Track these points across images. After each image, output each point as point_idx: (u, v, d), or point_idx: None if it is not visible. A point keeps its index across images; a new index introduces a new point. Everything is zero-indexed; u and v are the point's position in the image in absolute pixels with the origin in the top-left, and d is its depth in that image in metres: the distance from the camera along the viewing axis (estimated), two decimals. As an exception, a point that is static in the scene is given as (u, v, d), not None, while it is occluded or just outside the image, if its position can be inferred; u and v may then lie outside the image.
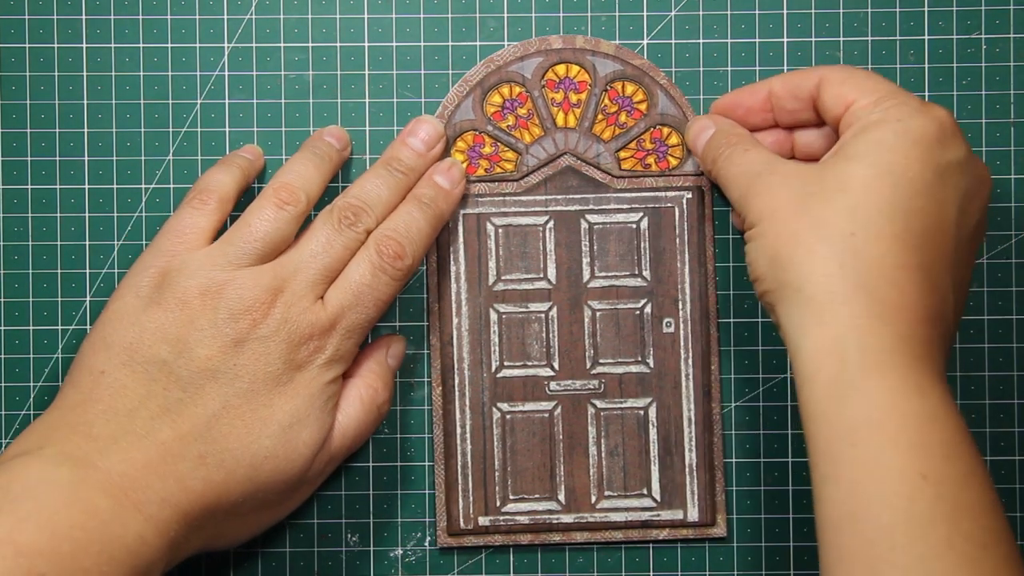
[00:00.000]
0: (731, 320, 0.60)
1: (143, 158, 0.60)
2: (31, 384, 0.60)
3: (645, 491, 0.60)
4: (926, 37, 0.60)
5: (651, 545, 0.60)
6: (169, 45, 0.60)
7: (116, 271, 0.60)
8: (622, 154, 0.60)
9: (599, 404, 0.60)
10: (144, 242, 0.60)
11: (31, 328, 0.60)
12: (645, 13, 0.60)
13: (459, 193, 0.59)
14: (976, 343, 0.60)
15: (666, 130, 0.60)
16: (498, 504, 0.59)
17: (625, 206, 0.60)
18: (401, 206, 0.57)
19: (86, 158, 0.60)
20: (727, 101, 0.59)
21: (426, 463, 0.60)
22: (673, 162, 0.60)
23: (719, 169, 0.56)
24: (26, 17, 0.60)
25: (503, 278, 0.60)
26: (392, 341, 0.59)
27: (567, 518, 0.59)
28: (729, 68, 0.60)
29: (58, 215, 0.60)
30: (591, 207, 0.60)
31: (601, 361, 0.60)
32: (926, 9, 0.60)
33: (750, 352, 0.60)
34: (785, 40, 0.60)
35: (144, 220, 0.60)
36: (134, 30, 0.60)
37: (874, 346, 0.47)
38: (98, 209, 0.60)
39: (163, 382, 0.52)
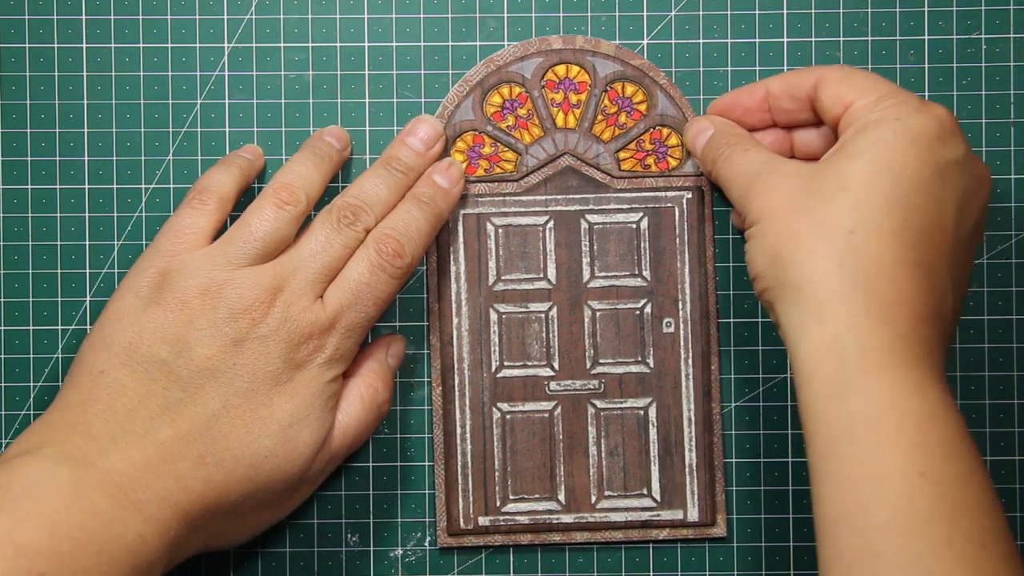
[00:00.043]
0: (731, 320, 0.60)
1: (143, 158, 0.60)
2: (31, 384, 0.60)
3: (645, 491, 0.60)
4: (926, 37, 0.60)
5: (651, 545, 0.60)
6: (169, 45, 0.60)
7: (116, 271, 0.60)
8: (622, 155, 0.60)
9: (599, 404, 0.60)
10: (144, 242, 0.60)
11: (31, 328, 0.60)
12: (645, 13, 0.60)
13: (458, 192, 0.59)
14: (976, 343, 0.60)
15: (665, 131, 0.60)
16: (498, 504, 0.59)
17: (625, 206, 0.60)
18: (400, 205, 0.57)
19: (86, 158, 0.60)
20: (725, 101, 0.59)
21: (426, 463, 0.60)
22: (673, 163, 0.60)
23: (719, 169, 0.56)
24: (26, 17, 0.60)
25: (503, 278, 0.60)
26: (392, 341, 0.59)
27: (567, 518, 0.59)
28: (729, 68, 0.60)
29: (58, 215, 0.60)
30: (591, 207, 0.60)
31: (601, 361, 0.60)
32: (926, 9, 0.60)
33: (750, 352, 0.60)
34: (785, 40, 0.60)
35: (144, 220, 0.60)
36: (134, 30, 0.60)
37: (873, 344, 0.47)
38: (98, 209, 0.60)
39: (163, 382, 0.52)
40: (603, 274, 0.60)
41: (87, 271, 0.60)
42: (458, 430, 0.59)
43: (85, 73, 0.60)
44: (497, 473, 0.59)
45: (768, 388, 0.60)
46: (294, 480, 0.54)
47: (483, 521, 0.59)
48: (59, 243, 0.60)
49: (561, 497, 0.59)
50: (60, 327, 0.60)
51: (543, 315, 0.60)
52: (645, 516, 0.60)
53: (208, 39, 0.60)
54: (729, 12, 0.60)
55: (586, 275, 0.60)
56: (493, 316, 0.60)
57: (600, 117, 0.60)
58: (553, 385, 0.60)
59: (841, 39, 0.60)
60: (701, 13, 0.60)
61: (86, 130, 0.60)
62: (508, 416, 0.60)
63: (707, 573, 0.60)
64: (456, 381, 0.60)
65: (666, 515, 0.60)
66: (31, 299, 0.60)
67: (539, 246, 0.60)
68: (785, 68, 0.60)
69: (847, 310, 0.48)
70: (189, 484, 0.50)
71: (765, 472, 0.60)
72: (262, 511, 0.55)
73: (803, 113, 0.56)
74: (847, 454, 0.46)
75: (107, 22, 0.60)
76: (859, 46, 0.60)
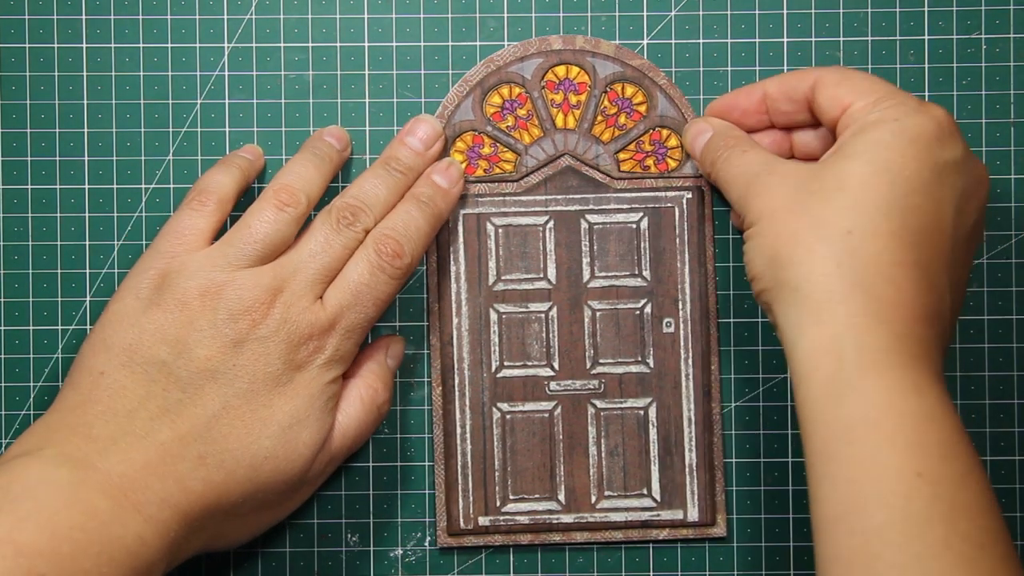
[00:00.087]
0: (731, 320, 0.60)
1: (143, 158, 0.60)
2: (31, 384, 0.60)
3: (645, 491, 0.60)
4: (926, 37, 0.60)
5: (651, 545, 0.60)
6: (169, 45, 0.60)
7: (116, 271, 0.60)
8: (621, 156, 0.60)
9: (599, 404, 0.60)
10: (144, 242, 0.60)
11: (31, 328, 0.60)
12: (645, 13, 0.60)
13: (457, 192, 0.59)
14: (976, 343, 0.60)
15: (665, 132, 0.60)
16: (498, 504, 0.59)
17: (625, 206, 0.60)
18: (399, 205, 0.57)
19: (86, 158, 0.60)
20: (722, 103, 0.59)
21: (426, 463, 0.60)
22: (672, 164, 0.60)
23: (718, 171, 0.56)
24: (26, 17, 0.60)
25: (503, 278, 0.60)
26: (392, 341, 0.59)
27: (567, 518, 0.59)
28: (729, 68, 0.60)
29: (58, 215, 0.60)
30: (591, 207, 0.60)
31: (601, 361, 0.60)
32: (926, 9, 0.60)
33: (750, 352, 0.60)
34: (785, 40, 0.60)
35: (144, 220, 0.60)
36: (134, 30, 0.60)
37: (871, 345, 0.47)
38: (98, 209, 0.60)
39: (162, 383, 0.52)
40: (603, 274, 0.60)
41: (87, 271, 0.60)
42: (458, 430, 0.59)
43: (85, 73, 0.60)
44: (497, 473, 0.59)
45: (768, 388, 0.60)
46: (294, 481, 0.54)
47: (483, 521, 0.59)
48: (59, 243, 0.60)
49: (561, 497, 0.59)
50: (60, 327, 0.60)
51: (543, 315, 0.60)
52: (645, 516, 0.60)
53: (208, 39, 0.60)
54: (729, 12, 0.60)
55: (586, 275, 0.60)
56: (493, 316, 0.60)
57: (600, 118, 0.60)
58: (553, 385, 0.60)
59: (841, 39, 0.60)
60: (701, 13, 0.60)
61: (86, 130, 0.60)
62: (508, 416, 0.60)
63: (707, 573, 0.60)
64: (456, 381, 0.60)
65: (666, 515, 0.60)
66: (31, 299, 0.60)
67: (539, 246, 0.60)
68: (785, 68, 0.60)
69: (845, 310, 0.48)
70: (189, 485, 0.50)
71: (765, 472, 0.60)
72: (262, 512, 0.55)
73: (801, 115, 0.56)
74: (845, 454, 0.46)
75: (107, 22, 0.60)
76: (859, 46, 0.60)
